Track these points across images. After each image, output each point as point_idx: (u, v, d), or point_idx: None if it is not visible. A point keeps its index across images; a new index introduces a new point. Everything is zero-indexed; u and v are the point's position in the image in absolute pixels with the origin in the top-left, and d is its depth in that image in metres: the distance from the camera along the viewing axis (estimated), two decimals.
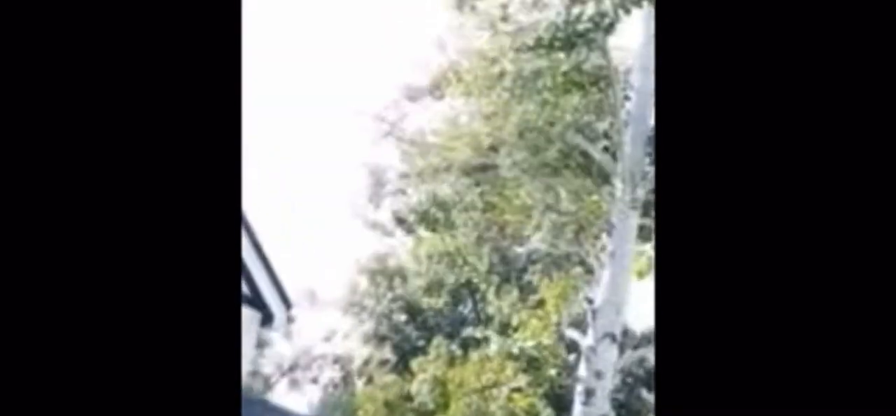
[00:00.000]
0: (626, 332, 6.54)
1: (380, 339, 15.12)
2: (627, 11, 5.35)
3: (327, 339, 16.43)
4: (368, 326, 15.51)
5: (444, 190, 7.32)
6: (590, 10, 5.45)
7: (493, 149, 6.52)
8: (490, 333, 7.74)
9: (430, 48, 6.53)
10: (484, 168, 6.60)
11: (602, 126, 6.79)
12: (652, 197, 6.37)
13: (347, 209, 12.47)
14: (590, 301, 6.25)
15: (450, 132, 6.87)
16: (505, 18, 5.93)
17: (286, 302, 8.25)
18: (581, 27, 5.42)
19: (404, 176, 8.64)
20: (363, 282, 15.39)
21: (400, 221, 12.64)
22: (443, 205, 7.50)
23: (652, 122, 6.42)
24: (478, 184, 6.78)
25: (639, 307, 8.53)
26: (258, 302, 7.16)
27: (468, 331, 9.71)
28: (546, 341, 6.78)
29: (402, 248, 14.26)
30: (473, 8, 5.96)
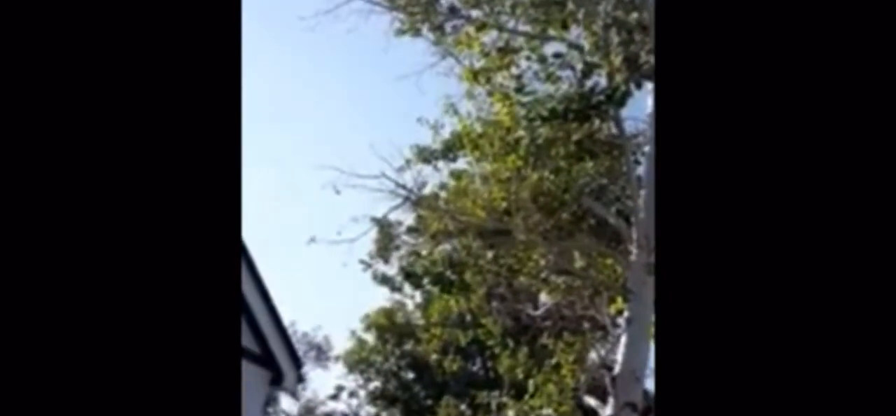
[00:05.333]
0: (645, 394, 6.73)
1: (388, 398, 15.20)
2: (638, 86, 5.73)
3: (334, 396, 16.51)
4: (376, 383, 15.61)
5: (458, 252, 7.63)
6: (602, 83, 5.85)
7: (507, 213, 6.84)
8: (504, 398, 7.91)
9: (446, 114, 6.92)
10: (498, 232, 6.91)
11: (615, 191, 7.11)
12: None
13: (356, 264, 12.74)
14: (608, 368, 6.46)
15: (464, 195, 7.21)
16: (519, 89, 6.33)
17: (296, 361, 8.44)
18: (594, 100, 5.80)
19: (416, 233, 8.95)
20: (371, 338, 15.55)
21: (409, 275, 12.89)
22: (456, 266, 7.79)
23: None
24: (492, 247, 7.07)
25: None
26: (268, 361, 7.35)
27: (478, 392, 9.85)
28: (564, 408, 6.96)
29: (411, 303, 14.45)
30: (489, 79, 6.37)
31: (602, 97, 5.74)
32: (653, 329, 7.08)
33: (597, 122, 6.15)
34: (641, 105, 6.47)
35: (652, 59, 5.44)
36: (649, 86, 6.09)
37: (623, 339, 6.34)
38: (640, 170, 6.70)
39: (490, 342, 8.10)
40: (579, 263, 7.26)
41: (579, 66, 5.93)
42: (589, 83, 5.93)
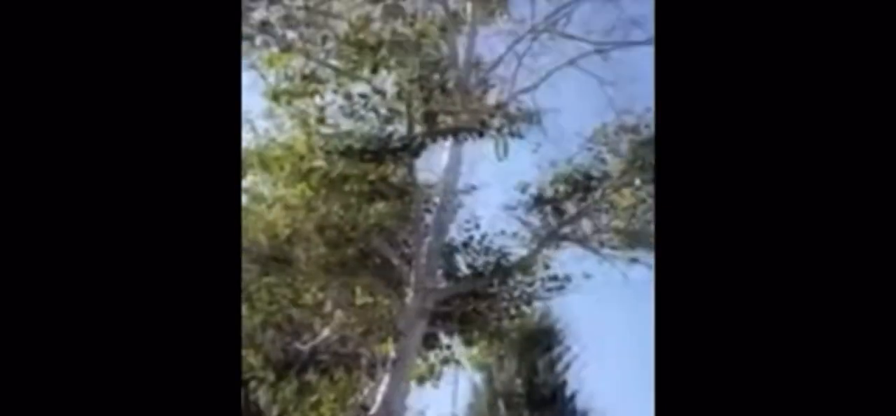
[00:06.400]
0: None
1: None
2: (433, 139, 6.05)
3: None
4: None
5: None
6: (401, 130, 6.07)
7: (289, 241, 6.71)
8: None
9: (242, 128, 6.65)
10: (278, 259, 6.74)
11: (403, 235, 7.35)
12: (441, 309, 6.99)
13: None
14: (365, 408, 6.57)
15: (246, 217, 6.94)
16: (321, 120, 6.32)
17: None
18: (391, 145, 6.00)
19: None
20: None
21: None
22: None
23: (446, 238, 7.12)
24: (268, 274, 6.87)
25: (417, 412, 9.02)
26: None
27: None
28: None
29: None
30: (290, 102, 6.27)
31: (399, 144, 5.94)
32: (414, 371, 7.36)
33: (392, 166, 6.34)
34: (437, 159, 6.81)
35: (449, 119, 5.78)
36: (445, 143, 6.45)
37: (385, 379, 6.52)
38: (429, 218, 7.02)
39: (247, 375, 7.78)
40: (360, 300, 7.33)
41: (383, 111, 6.09)
42: (389, 128, 6.11)
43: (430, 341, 7.57)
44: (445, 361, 7.83)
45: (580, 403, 13.15)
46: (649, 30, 6.83)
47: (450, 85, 5.83)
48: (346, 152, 6.09)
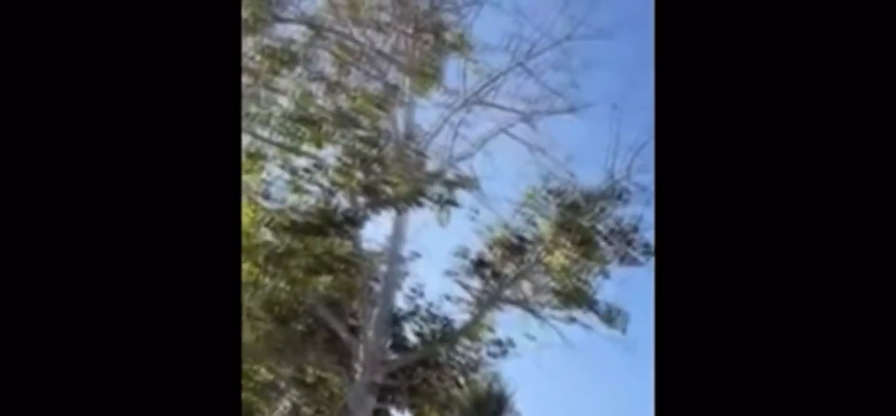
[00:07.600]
0: None
1: None
2: (376, 212, 6.23)
3: None
4: None
5: None
6: (344, 204, 6.26)
7: None
8: None
9: None
10: None
11: (350, 307, 7.39)
12: (390, 382, 6.98)
13: None
14: None
15: None
16: (266, 195, 6.45)
17: None
18: (335, 218, 6.16)
19: None
20: None
21: None
22: None
23: (392, 307, 7.19)
24: None
25: None
26: None
27: None
28: None
29: None
30: None
31: (341, 218, 6.09)
32: None
33: (337, 239, 6.46)
34: (380, 229, 6.98)
35: (389, 189, 6.00)
36: (387, 213, 6.64)
37: None
38: (376, 288, 7.10)
39: None
40: (310, 378, 7.25)
41: (325, 184, 6.27)
42: (334, 201, 6.28)
43: None
44: None
45: None
46: (570, 99, 7.30)
47: (389, 156, 6.08)
48: (291, 227, 6.21)
